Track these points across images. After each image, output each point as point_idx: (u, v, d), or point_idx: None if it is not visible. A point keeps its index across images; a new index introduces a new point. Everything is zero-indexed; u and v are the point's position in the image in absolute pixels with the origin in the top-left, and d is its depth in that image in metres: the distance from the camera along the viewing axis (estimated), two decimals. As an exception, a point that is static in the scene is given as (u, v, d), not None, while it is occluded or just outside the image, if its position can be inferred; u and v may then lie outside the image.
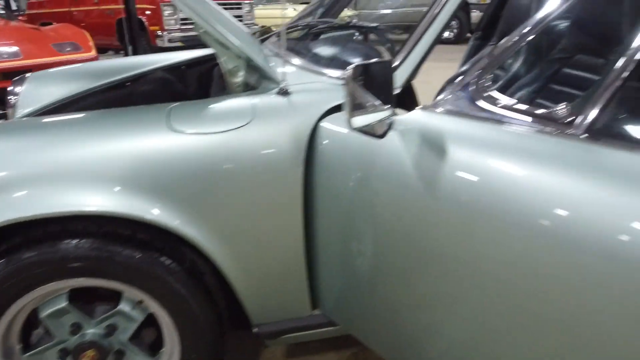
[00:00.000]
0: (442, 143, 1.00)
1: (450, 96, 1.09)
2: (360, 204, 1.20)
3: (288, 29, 1.89)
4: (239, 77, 1.46)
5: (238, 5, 7.63)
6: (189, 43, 7.12)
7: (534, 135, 0.92)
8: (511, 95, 2.21)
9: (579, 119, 0.88)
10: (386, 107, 1.04)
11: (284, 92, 1.31)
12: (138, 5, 6.71)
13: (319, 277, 1.40)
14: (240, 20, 7.58)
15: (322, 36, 1.79)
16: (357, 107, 0.97)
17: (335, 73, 1.43)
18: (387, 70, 1.02)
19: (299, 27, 1.90)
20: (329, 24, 1.85)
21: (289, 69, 1.49)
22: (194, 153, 1.19)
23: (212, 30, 1.35)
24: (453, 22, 9.86)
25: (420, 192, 1.02)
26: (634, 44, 0.86)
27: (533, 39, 1.13)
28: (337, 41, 1.73)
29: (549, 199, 0.84)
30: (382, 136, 1.08)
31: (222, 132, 1.21)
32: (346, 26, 1.82)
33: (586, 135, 0.86)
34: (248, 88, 1.49)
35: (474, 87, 1.04)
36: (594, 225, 0.80)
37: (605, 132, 0.86)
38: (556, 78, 2.03)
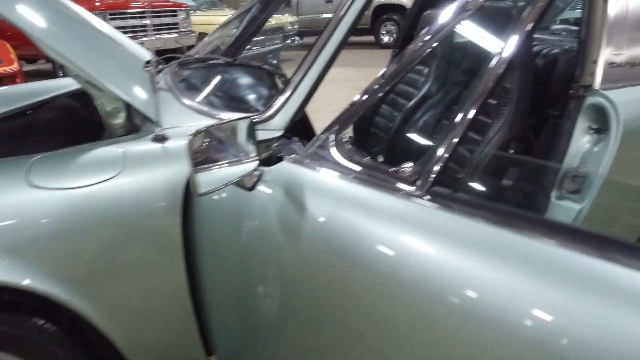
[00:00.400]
0: (301, 197, 1.00)
1: (316, 147, 1.08)
2: (240, 252, 1.17)
3: (184, 59, 1.84)
4: (120, 119, 1.40)
5: (173, 13, 7.44)
6: (123, 52, 6.88)
7: (381, 193, 0.93)
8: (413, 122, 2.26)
9: (420, 179, 0.89)
10: (252, 160, 1.03)
11: (161, 138, 1.26)
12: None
13: (212, 323, 1.36)
14: (176, 28, 7.40)
15: (218, 73, 1.73)
16: (202, 170, 0.94)
17: (225, 115, 1.39)
18: (249, 126, 1.01)
19: (192, 59, 1.85)
20: (219, 60, 1.80)
21: (176, 109, 1.44)
22: (56, 210, 1.12)
23: (83, 74, 1.28)
24: (392, 27, 10.04)
25: (283, 244, 1.02)
26: (465, 110, 0.88)
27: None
28: (231, 79, 1.69)
29: (390, 255, 0.86)
30: (251, 189, 1.06)
31: (87, 186, 1.15)
32: (234, 64, 1.76)
33: (427, 196, 0.88)
34: (132, 129, 1.43)
35: (334, 140, 1.04)
36: (426, 282, 0.81)
37: (442, 194, 0.87)
38: (459, 101, 2.08)
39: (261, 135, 1.27)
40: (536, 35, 2.83)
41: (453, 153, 0.87)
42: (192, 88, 1.58)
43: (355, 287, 0.93)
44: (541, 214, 1.61)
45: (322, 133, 1.09)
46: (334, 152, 1.04)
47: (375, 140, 2.72)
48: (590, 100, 1.62)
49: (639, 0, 1.64)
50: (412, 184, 0.90)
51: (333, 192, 1.00)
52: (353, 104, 1.09)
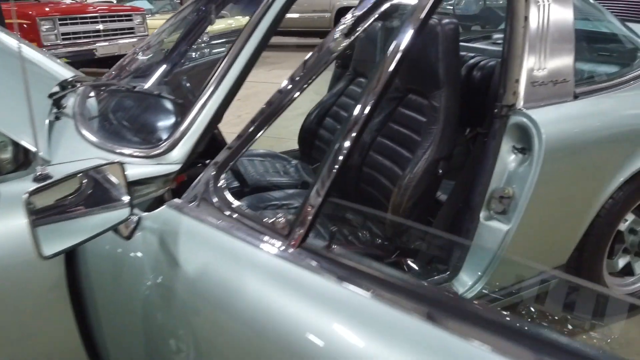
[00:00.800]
0: (174, 248, 0.92)
1: (197, 191, 1.00)
2: (124, 303, 1.08)
3: (96, 82, 1.72)
4: (8, 154, 1.29)
5: (128, 17, 7.22)
6: (76, 59, 6.65)
7: (252, 247, 0.86)
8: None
9: (292, 232, 0.82)
10: (124, 208, 0.94)
11: (43, 178, 1.15)
12: (12, 20, 6.16)
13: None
14: (132, 33, 7.19)
15: (124, 101, 1.60)
16: (51, 222, 0.84)
17: (127, 150, 1.26)
18: (118, 171, 0.92)
19: (103, 83, 1.73)
20: (122, 87, 1.65)
21: (73, 141, 1.33)
22: None
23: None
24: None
25: (157, 298, 0.94)
26: (335, 151, 0.82)
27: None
28: (135, 108, 1.54)
29: (258, 314, 0.79)
30: (128, 237, 0.97)
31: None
32: (139, 91, 1.60)
33: (298, 252, 0.81)
34: (24, 164, 1.32)
35: (213, 184, 0.97)
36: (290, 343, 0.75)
37: (312, 251, 0.80)
38: (394, 117, 2.03)
39: (158, 170, 1.18)
40: (476, 45, 2.82)
41: (324, 203, 0.80)
42: (97, 116, 1.47)
43: (231, 342, 0.86)
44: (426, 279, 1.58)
45: (202, 175, 1.01)
46: (212, 197, 0.96)
47: (319, 153, 2.65)
48: (514, 119, 1.59)
49: (560, 18, 1.61)
50: (285, 237, 0.83)
51: (207, 244, 0.92)
52: (233, 143, 1.02)
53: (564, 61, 1.63)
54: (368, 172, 2.05)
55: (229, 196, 0.95)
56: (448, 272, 1.71)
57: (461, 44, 2.90)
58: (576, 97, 1.66)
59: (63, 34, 6.45)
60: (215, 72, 1.26)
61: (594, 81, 1.74)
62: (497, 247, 1.62)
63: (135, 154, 1.22)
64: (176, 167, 1.18)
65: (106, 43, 6.90)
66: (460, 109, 2.10)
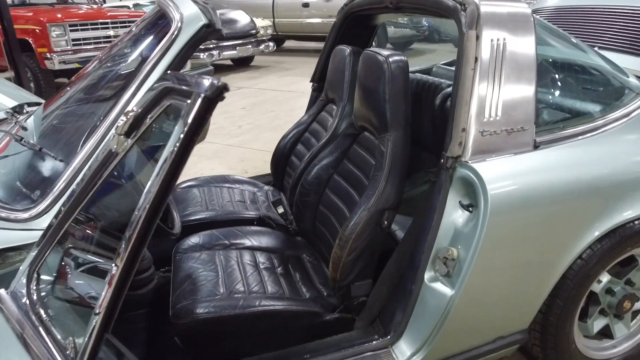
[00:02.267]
0: None
1: (14, 285, 0.87)
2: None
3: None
4: None
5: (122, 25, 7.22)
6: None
7: None
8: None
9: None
10: None
11: None
12: (23, 26, 6.27)
13: None
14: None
15: (16, 151, 1.45)
16: None
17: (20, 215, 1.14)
18: None
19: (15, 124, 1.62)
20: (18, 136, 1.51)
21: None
22: None
23: None
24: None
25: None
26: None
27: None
28: (21, 165, 1.34)
29: None
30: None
31: None
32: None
33: None
34: None
35: (26, 283, 0.84)
36: None
37: None
38: (348, 155, 1.87)
39: (29, 236, 1.07)
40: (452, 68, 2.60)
41: (102, 336, 0.65)
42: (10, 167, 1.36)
43: None
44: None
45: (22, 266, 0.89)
46: (23, 298, 0.83)
47: (288, 180, 2.51)
48: (459, 172, 1.41)
49: (519, 58, 1.42)
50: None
51: (7, 352, 0.79)
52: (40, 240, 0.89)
53: (522, 107, 1.44)
54: (323, 211, 1.90)
55: (38, 301, 0.82)
56: (389, 336, 1.54)
57: (444, 66, 2.72)
58: (537, 147, 1.46)
59: (73, 40, 6.49)
60: (99, 124, 1.14)
61: (561, 127, 1.54)
62: (440, 315, 1.44)
63: (7, 217, 1.11)
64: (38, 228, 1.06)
65: (117, 49, 6.92)
66: (438, 139, 1.91)
